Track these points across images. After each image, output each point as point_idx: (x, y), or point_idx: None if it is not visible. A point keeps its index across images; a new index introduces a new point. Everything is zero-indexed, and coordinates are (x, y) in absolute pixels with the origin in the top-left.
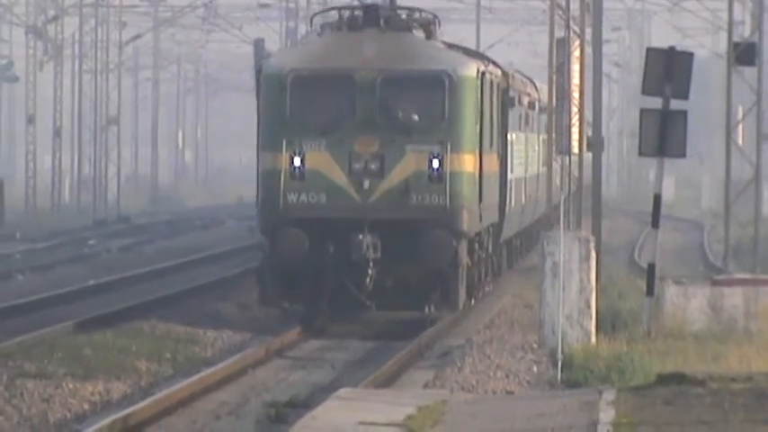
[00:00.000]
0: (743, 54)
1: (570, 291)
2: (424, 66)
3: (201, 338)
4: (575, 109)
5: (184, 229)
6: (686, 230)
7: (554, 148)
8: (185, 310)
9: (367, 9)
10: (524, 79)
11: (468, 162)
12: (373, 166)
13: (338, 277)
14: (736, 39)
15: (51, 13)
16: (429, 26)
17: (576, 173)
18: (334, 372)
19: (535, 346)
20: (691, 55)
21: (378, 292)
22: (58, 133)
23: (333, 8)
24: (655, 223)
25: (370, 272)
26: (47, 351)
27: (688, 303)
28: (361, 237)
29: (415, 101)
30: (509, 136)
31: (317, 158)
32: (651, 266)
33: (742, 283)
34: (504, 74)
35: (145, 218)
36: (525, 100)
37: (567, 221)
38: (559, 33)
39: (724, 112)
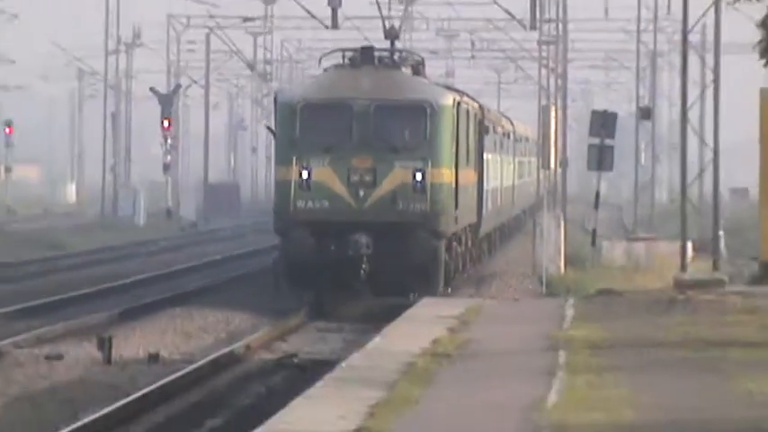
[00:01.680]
0: (643, 114)
1: (549, 244)
2: (409, 96)
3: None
4: (552, 145)
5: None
6: (613, 211)
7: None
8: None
9: (364, 50)
10: (500, 115)
11: (445, 175)
12: (367, 179)
13: (338, 270)
14: (641, 105)
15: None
16: (417, 66)
17: (552, 180)
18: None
19: (530, 275)
20: (615, 114)
21: (371, 282)
22: None
23: (337, 50)
24: (596, 206)
25: (364, 266)
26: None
27: (614, 250)
28: (356, 236)
29: (402, 125)
30: (485, 156)
31: (321, 172)
32: (594, 231)
33: (644, 239)
34: (481, 107)
35: None
36: (500, 130)
37: (548, 206)
38: (544, 102)
39: (634, 147)
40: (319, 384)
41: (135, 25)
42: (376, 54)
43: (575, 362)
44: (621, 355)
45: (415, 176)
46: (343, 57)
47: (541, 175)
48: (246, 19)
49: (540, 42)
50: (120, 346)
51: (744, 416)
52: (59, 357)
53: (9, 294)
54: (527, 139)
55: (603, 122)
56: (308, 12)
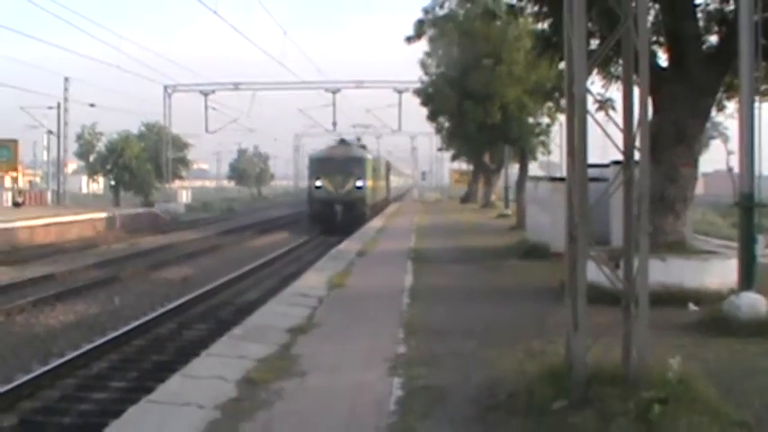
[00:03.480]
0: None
1: (414, 193)
2: (356, 156)
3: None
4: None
5: None
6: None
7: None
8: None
9: (341, 140)
10: (398, 167)
11: (369, 183)
12: (342, 184)
13: (330, 219)
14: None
15: None
16: (362, 145)
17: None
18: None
19: (413, 199)
20: (426, 171)
21: (342, 224)
22: None
23: (337, 139)
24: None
25: (339, 217)
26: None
27: (429, 195)
28: (337, 207)
29: (354, 165)
30: (390, 177)
31: (325, 182)
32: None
33: (433, 191)
34: (388, 162)
35: None
36: (398, 171)
37: (414, 187)
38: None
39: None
40: (346, 241)
41: None
42: (346, 141)
43: (422, 213)
44: (430, 211)
45: (356, 183)
46: (336, 141)
47: (411, 181)
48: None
49: (412, 149)
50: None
51: (451, 223)
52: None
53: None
54: (406, 174)
55: (424, 172)
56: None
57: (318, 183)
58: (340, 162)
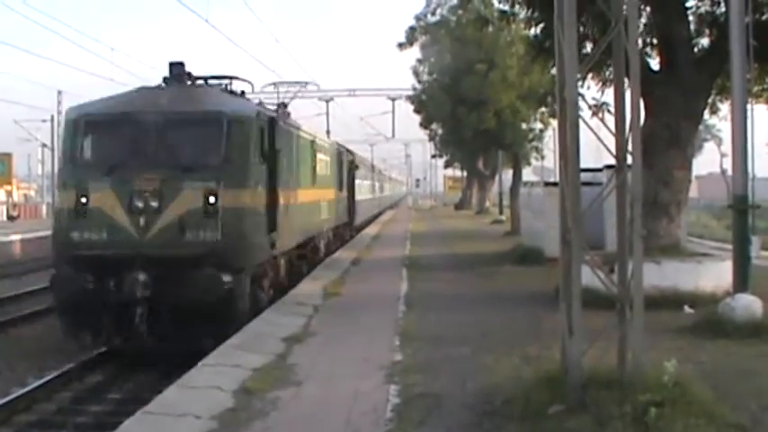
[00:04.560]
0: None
1: (408, 201)
2: (203, 108)
3: None
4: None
5: None
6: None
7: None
8: None
9: (171, 66)
10: (372, 163)
11: (247, 197)
12: (153, 203)
13: (116, 313)
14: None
15: None
16: (226, 84)
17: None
18: None
19: (407, 206)
20: (418, 179)
21: (155, 327)
22: None
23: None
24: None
25: (140, 310)
26: None
27: (423, 202)
28: (133, 274)
29: (194, 140)
30: (356, 181)
31: (101, 197)
32: (416, 199)
33: (428, 197)
34: (350, 151)
35: None
36: (370, 169)
37: (408, 194)
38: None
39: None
40: (340, 251)
41: None
42: (184, 70)
43: (416, 220)
44: (424, 218)
45: (207, 199)
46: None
47: (405, 189)
48: None
49: (406, 156)
50: None
51: (444, 229)
52: None
53: None
54: (399, 180)
55: (418, 180)
56: None
57: (84, 199)
58: (153, 133)
